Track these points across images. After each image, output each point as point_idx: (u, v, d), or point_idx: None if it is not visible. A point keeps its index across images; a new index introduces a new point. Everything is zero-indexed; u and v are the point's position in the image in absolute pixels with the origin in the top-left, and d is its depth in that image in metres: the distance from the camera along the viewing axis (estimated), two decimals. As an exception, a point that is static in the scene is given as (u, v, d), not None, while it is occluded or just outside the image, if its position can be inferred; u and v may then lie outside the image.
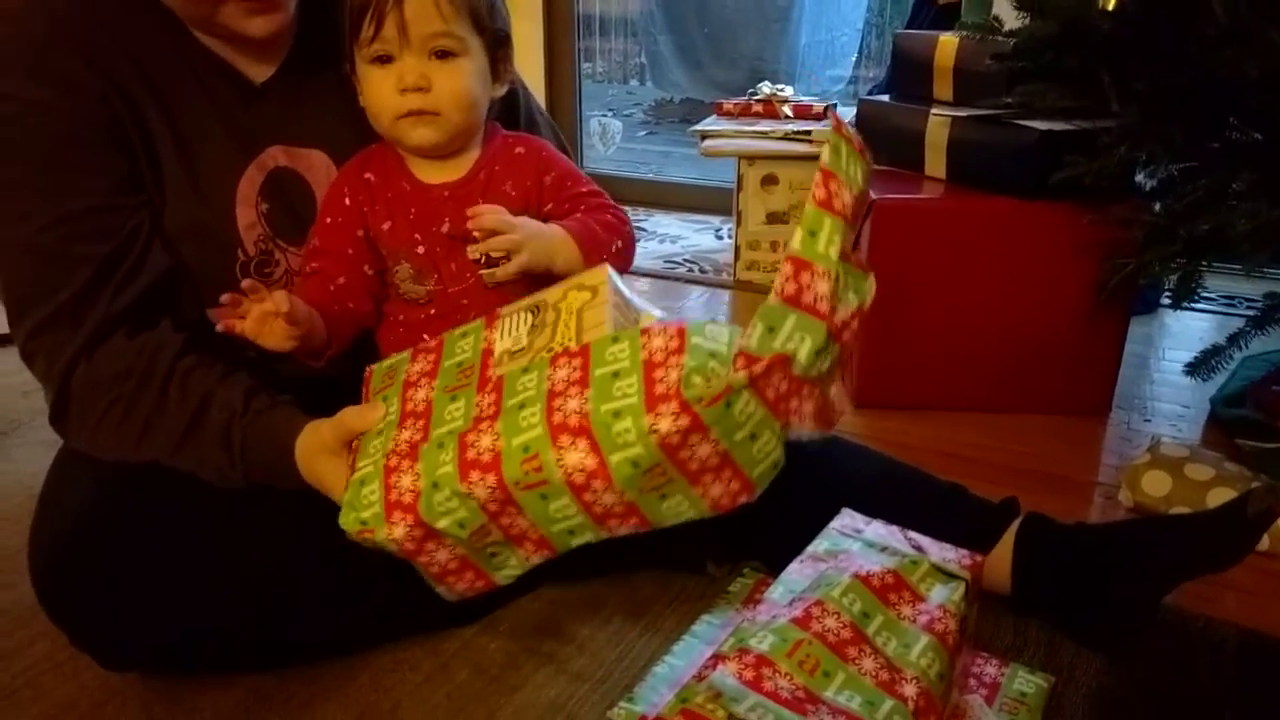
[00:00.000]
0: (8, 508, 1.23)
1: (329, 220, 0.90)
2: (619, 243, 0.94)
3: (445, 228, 0.89)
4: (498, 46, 0.90)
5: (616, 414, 0.67)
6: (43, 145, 0.81)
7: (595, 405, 0.68)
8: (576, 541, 0.73)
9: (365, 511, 0.73)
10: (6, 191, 0.82)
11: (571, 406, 0.69)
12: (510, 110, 1.03)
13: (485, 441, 0.71)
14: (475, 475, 0.70)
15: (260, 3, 0.82)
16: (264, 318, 0.78)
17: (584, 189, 0.95)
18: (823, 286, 0.67)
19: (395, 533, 0.72)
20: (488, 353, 0.79)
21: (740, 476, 0.70)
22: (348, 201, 0.90)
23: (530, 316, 0.80)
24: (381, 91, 0.86)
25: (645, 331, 0.72)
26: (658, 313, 0.79)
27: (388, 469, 0.74)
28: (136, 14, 0.84)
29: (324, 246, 0.90)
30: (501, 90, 0.93)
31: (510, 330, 0.80)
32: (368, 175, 0.90)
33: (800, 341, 0.68)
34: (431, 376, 0.80)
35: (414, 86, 0.84)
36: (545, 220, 0.92)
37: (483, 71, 0.88)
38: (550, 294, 0.81)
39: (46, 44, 0.81)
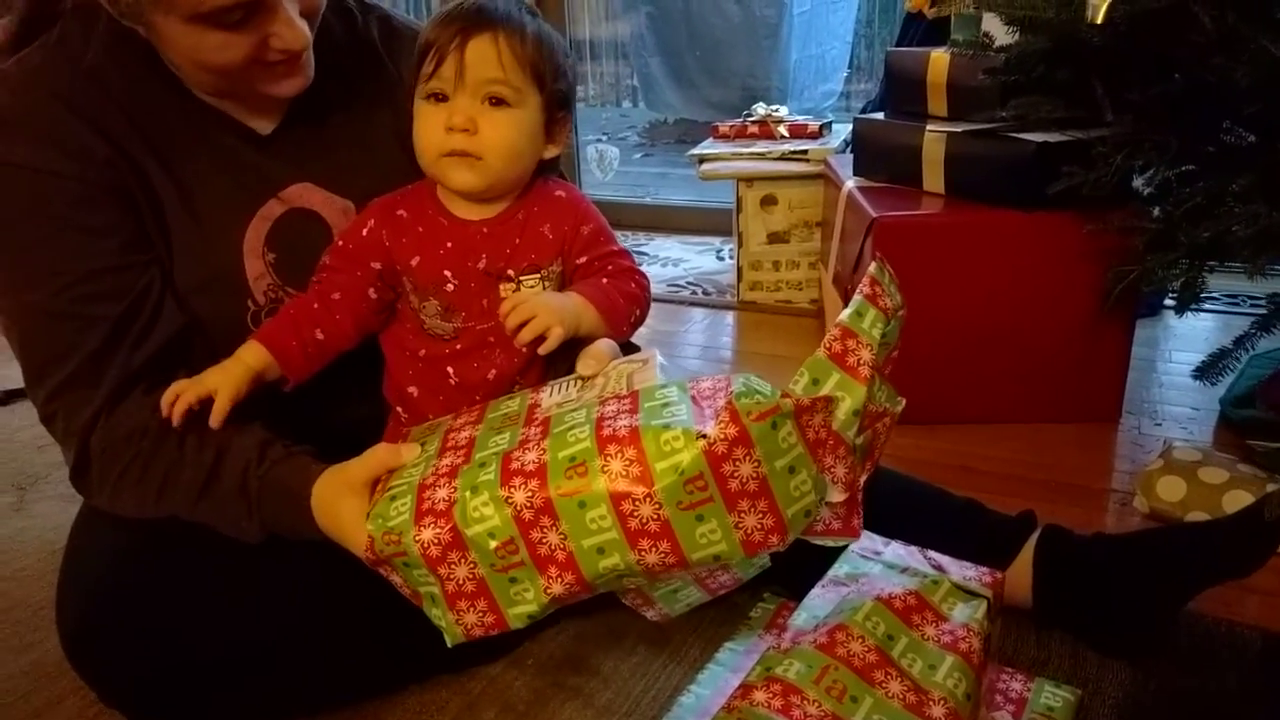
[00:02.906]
0: (29, 564, 1.23)
1: (342, 244, 0.91)
2: (638, 312, 0.96)
3: (482, 264, 0.89)
4: (557, 108, 0.90)
5: (667, 426, 0.69)
6: (54, 210, 0.82)
7: (645, 421, 0.70)
8: (604, 564, 0.72)
9: (393, 520, 0.73)
10: (20, 256, 0.83)
11: (622, 423, 0.71)
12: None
13: (531, 455, 0.72)
14: (517, 480, 0.71)
15: (289, 66, 0.83)
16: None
17: (614, 248, 0.96)
18: (865, 354, 0.72)
19: (424, 534, 0.71)
20: (534, 405, 0.81)
21: (775, 511, 0.70)
22: (366, 232, 0.90)
23: (580, 382, 0.84)
24: (430, 127, 0.87)
25: (694, 379, 0.77)
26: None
27: (423, 486, 0.74)
28: (136, 77, 0.86)
29: (333, 264, 0.90)
30: (555, 152, 0.92)
31: (559, 391, 0.83)
32: (400, 211, 0.91)
33: (841, 398, 0.71)
34: (475, 424, 0.82)
35: (460, 127, 0.85)
36: (574, 269, 0.93)
37: (534, 127, 0.88)
38: (600, 369, 0.84)
39: (52, 113, 0.82)
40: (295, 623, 0.85)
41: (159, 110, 0.87)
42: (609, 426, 0.71)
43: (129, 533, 0.87)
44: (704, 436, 0.67)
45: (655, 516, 0.69)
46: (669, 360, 0.85)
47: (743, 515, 0.70)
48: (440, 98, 0.86)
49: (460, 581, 0.74)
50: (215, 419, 0.81)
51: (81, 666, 0.85)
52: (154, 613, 0.83)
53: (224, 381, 0.82)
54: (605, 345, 0.87)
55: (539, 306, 0.85)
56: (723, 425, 0.67)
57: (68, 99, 0.83)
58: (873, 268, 0.75)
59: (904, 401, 0.79)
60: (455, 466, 0.75)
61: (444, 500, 0.72)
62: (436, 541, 0.72)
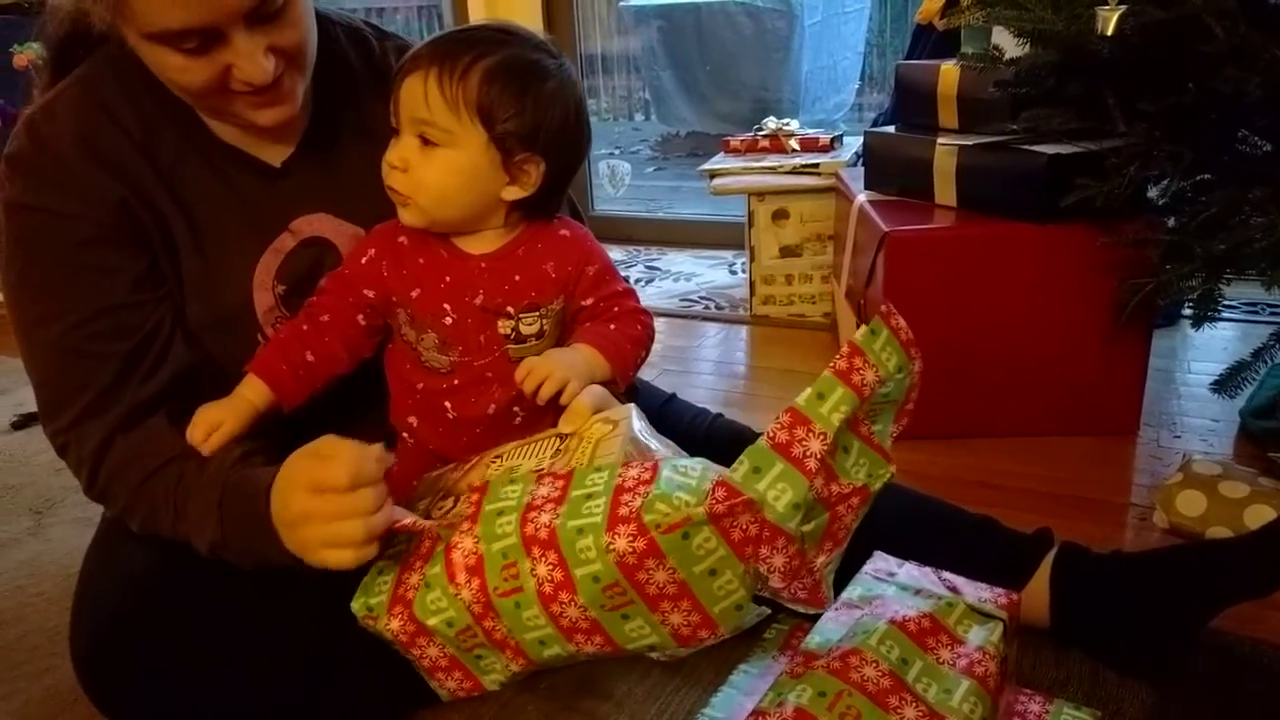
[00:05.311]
0: (45, 588, 1.24)
1: (340, 270, 0.92)
2: (643, 354, 0.97)
3: (479, 299, 0.89)
4: (516, 148, 0.85)
5: (580, 530, 0.71)
6: (68, 251, 0.83)
7: (563, 521, 0.73)
8: (548, 653, 0.76)
9: (375, 598, 0.79)
10: (34, 295, 0.84)
11: (543, 520, 0.74)
12: None
13: (468, 544, 0.76)
14: (463, 578, 0.75)
15: (267, 97, 0.83)
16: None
17: (619, 288, 0.96)
18: (814, 445, 0.70)
19: (393, 624, 0.78)
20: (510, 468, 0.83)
21: (700, 610, 0.72)
22: (365, 260, 0.90)
23: (557, 441, 0.84)
24: (384, 162, 0.88)
25: (626, 464, 0.77)
26: (668, 452, 0.82)
27: (404, 565, 0.80)
28: (152, 114, 0.86)
29: (328, 287, 0.91)
30: (519, 194, 0.88)
31: (536, 454, 0.84)
32: (402, 239, 0.91)
33: (781, 491, 0.69)
34: (461, 479, 0.85)
35: (391, 164, 0.86)
36: (578, 309, 0.94)
37: (473, 168, 0.85)
38: (581, 425, 0.85)
39: (69, 159, 0.83)
40: (311, 650, 0.85)
41: (174, 147, 0.88)
42: (532, 522, 0.74)
43: (144, 557, 0.87)
44: (613, 550, 0.70)
45: (583, 616, 0.73)
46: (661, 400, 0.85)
47: (666, 614, 0.72)
48: (394, 132, 0.87)
49: (434, 659, 0.80)
50: (209, 448, 0.83)
51: (96, 696, 0.85)
52: (167, 639, 0.83)
53: (229, 415, 0.84)
54: (589, 397, 0.86)
55: (554, 365, 0.86)
56: (631, 539, 0.69)
57: (86, 142, 0.84)
58: (859, 335, 0.73)
59: (892, 470, 0.77)
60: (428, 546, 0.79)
61: (412, 587, 0.78)
62: (405, 631, 0.78)
